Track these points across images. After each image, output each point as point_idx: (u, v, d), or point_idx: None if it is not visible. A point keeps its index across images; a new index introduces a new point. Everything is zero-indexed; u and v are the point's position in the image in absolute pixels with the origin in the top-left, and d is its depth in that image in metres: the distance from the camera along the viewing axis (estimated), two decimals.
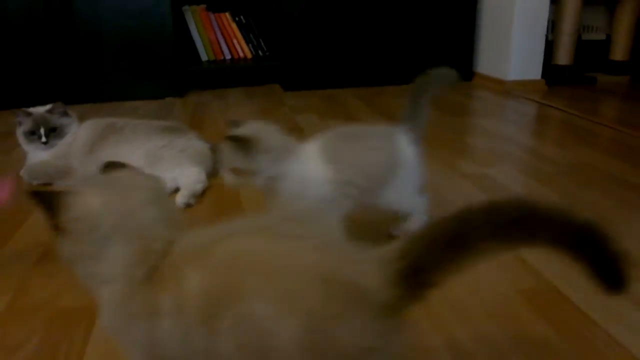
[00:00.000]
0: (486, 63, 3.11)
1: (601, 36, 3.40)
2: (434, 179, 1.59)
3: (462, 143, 1.94)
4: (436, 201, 1.41)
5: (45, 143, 1.61)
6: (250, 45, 3.25)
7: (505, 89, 2.89)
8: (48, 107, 1.64)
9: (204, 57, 3.22)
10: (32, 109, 1.63)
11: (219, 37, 3.22)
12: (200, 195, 1.49)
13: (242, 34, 3.23)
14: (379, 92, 2.90)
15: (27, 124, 1.62)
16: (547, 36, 3.10)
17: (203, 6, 3.17)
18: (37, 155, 1.65)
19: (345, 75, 3.04)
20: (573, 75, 3.07)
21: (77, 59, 2.75)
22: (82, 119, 1.71)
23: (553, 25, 3.12)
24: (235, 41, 3.23)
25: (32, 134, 1.62)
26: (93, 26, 2.72)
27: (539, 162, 1.73)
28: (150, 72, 2.84)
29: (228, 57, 3.25)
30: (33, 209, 1.43)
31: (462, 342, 0.86)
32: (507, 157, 1.78)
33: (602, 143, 1.92)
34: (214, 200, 1.48)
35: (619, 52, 3.23)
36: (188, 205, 1.43)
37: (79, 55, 2.74)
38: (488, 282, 1.04)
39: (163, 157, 1.57)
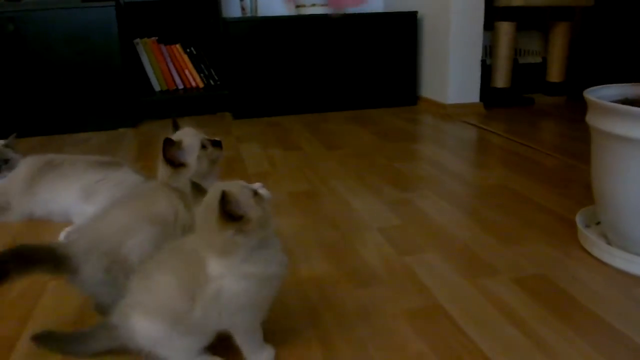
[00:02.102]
0: (429, 87, 3.26)
1: (537, 59, 3.59)
2: (354, 203, 1.69)
3: (391, 169, 2.05)
4: (353, 226, 1.52)
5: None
6: (202, 74, 3.35)
7: (446, 112, 3.03)
8: (2, 141, 1.71)
9: (157, 87, 3.30)
10: None
11: (171, 68, 3.30)
12: None
13: (194, 64, 3.32)
14: (325, 119, 3.01)
15: None
16: (485, 60, 3.27)
17: (154, 38, 3.25)
18: None
19: (292, 102, 3.16)
20: (511, 97, 3.24)
21: (27, 90, 2.80)
22: (31, 151, 1.78)
23: (490, 50, 3.29)
24: (187, 71, 3.32)
25: None
26: (43, 58, 2.78)
27: (460, 185, 1.85)
28: (101, 103, 2.90)
29: (181, 87, 3.34)
30: None
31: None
32: (430, 181, 1.90)
33: (527, 166, 2.05)
34: None
35: (555, 73, 3.40)
36: None
37: (29, 87, 2.80)
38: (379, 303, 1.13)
39: (98, 191, 1.64)
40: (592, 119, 1.26)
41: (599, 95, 1.29)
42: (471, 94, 3.08)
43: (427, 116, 3.01)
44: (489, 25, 3.10)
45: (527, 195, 1.73)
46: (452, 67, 3.00)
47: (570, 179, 1.87)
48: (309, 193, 1.81)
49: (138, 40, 3.22)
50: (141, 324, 0.87)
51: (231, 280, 0.84)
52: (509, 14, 3.09)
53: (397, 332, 1.03)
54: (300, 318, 1.09)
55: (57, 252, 0.99)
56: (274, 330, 1.01)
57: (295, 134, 2.66)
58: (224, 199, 0.79)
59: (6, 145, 1.72)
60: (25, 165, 1.73)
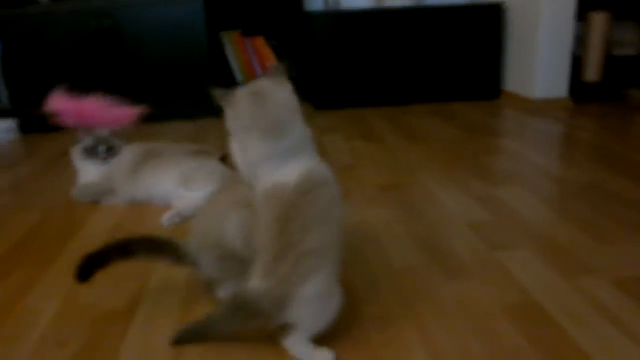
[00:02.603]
0: (513, 81, 3.17)
1: (632, 51, 3.40)
2: (441, 196, 1.69)
3: (477, 163, 2.03)
4: (442, 219, 1.53)
5: (104, 159, 1.82)
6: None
7: (531, 106, 2.94)
8: (106, 130, 1.85)
9: (239, 78, 3.41)
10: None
11: (253, 60, 3.40)
12: None
13: (276, 56, 3.40)
14: (406, 111, 3.01)
15: (87, 141, 1.82)
16: (575, 53, 3.14)
17: (238, 31, 3.36)
18: (89, 172, 1.85)
19: (373, 94, 3.17)
20: (602, 91, 3.09)
21: (122, 82, 2.98)
22: (129, 139, 1.92)
23: (582, 42, 3.15)
24: (268, 63, 3.41)
25: (92, 151, 1.82)
26: (136, 52, 2.95)
27: (549, 182, 1.81)
28: (189, 94, 3.05)
29: None
30: (84, 222, 1.63)
31: (445, 352, 0.97)
32: (518, 177, 1.86)
33: (618, 163, 1.97)
34: None
35: None
36: None
37: (123, 79, 2.98)
38: (475, 296, 1.14)
39: (196, 178, 1.73)
40: None
41: None
42: (559, 87, 2.97)
43: (510, 111, 2.94)
44: (582, 15, 2.97)
45: (620, 193, 1.66)
46: (540, 59, 2.90)
47: None
48: (395, 185, 1.83)
49: (223, 32, 3.34)
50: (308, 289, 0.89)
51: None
52: (603, 3, 2.95)
53: (493, 324, 1.04)
54: (395, 305, 1.11)
55: (180, 250, 1.12)
56: (367, 316, 1.05)
57: (377, 126, 2.68)
58: None
59: (110, 133, 1.85)
60: (128, 153, 1.86)
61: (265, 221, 0.90)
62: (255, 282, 0.91)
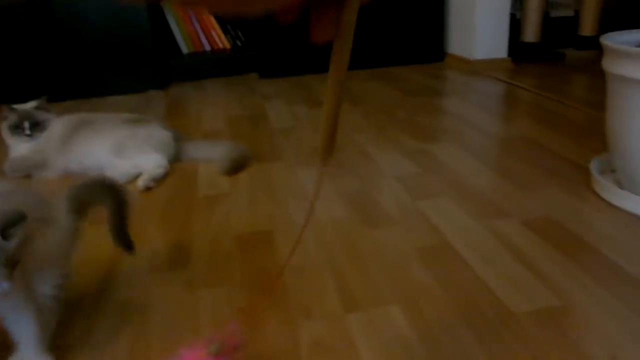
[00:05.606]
0: (455, 44, 3.22)
1: (569, 12, 3.49)
2: (374, 155, 1.73)
3: (413, 122, 2.07)
4: (371, 175, 1.57)
5: (29, 135, 1.77)
6: (228, 35, 3.39)
7: (472, 68, 3.00)
8: (34, 103, 1.80)
9: (184, 50, 3.36)
10: (17, 106, 1.79)
11: (198, 30, 3.35)
12: (161, 179, 1.65)
13: (220, 26, 3.36)
14: (350, 77, 3.03)
15: (11, 119, 1.77)
16: (515, 14, 3.20)
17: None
18: (18, 148, 1.81)
19: (318, 61, 3.17)
20: (541, 52, 3.17)
21: (58, 56, 2.90)
22: (65, 113, 1.87)
23: (520, 3, 3.21)
24: (213, 33, 3.36)
25: (17, 128, 1.77)
26: (73, 23, 2.87)
27: (481, 138, 1.86)
28: (130, 66, 2.99)
29: (208, 48, 3.39)
30: None
31: (353, 287, 1.02)
32: (452, 134, 1.92)
33: (552, 119, 2.04)
34: (173, 183, 1.64)
35: (587, 27, 3.31)
36: (148, 188, 1.59)
37: (60, 53, 2.90)
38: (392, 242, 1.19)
39: (128, 146, 1.72)
40: (607, 64, 1.26)
41: (619, 40, 1.28)
42: (499, 49, 3.04)
43: (453, 72, 2.99)
44: None
45: (546, 146, 1.73)
46: (479, 21, 2.95)
47: (593, 130, 1.87)
48: None
49: (165, 1, 3.27)
50: None
51: None
52: None
53: (407, 267, 1.09)
54: (315, 255, 1.15)
55: None
56: (287, 268, 1.08)
57: (319, 92, 2.69)
58: None
59: (37, 107, 1.79)
60: (60, 124, 1.82)
61: None
62: None
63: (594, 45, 3.29)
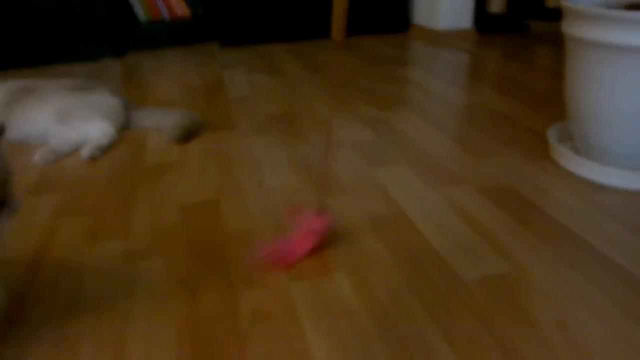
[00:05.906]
0: (421, 14, 3.16)
1: None
2: (331, 122, 1.67)
3: (373, 90, 2.02)
4: (327, 141, 1.52)
5: None
6: (187, 2, 3.26)
7: (437, 38, 2.95)
8: None
9: (142, 18, 3.22)
10: None
11: None
12: (107, 149, 1.56)
13: None
14: (314, 46, 2.95)
15: None
16: None
17: None
18: None
19: (280, 30, 3.08)
20: (506, 23, 3.14)
21: (5, 22, 2.74)
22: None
23: None
24: (173, 0, 3.23)
25: None
26: None
27: (441, 106, 1.83)
28: (83, 33, 2.85)
29: (167, 16, 3.26)
30: None
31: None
32: (412, 103, 1.87)
33: (513, 88, 2.02)
34: (120, 152, 1.55)
35: None
36: (92, 158, 1.51)
37: (7, 18, 2.74)
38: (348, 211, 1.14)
39: (73, 113, 1.63)
40: (565, 26, 1.23)
41: (579, 3, 1.25)
42: (464, 19, 2.99)
43: (417, 43, 2.94)
44: None
45: (508, 115, 1.71)
46: None
47: (555, 99, 1.85)
48: (287, 114, 1.79)
49: None
50: None
51: None
52: None
53: (357, 236, 1.05)
54: (261, 222, 1.10)
55: None
56: (234, 237, 1.03)
57: (281, 61, 2.61)
58: None
59: None
60: (1, 91, 1.71)
61: None
62: None
63: (559, 17, 3.27)
